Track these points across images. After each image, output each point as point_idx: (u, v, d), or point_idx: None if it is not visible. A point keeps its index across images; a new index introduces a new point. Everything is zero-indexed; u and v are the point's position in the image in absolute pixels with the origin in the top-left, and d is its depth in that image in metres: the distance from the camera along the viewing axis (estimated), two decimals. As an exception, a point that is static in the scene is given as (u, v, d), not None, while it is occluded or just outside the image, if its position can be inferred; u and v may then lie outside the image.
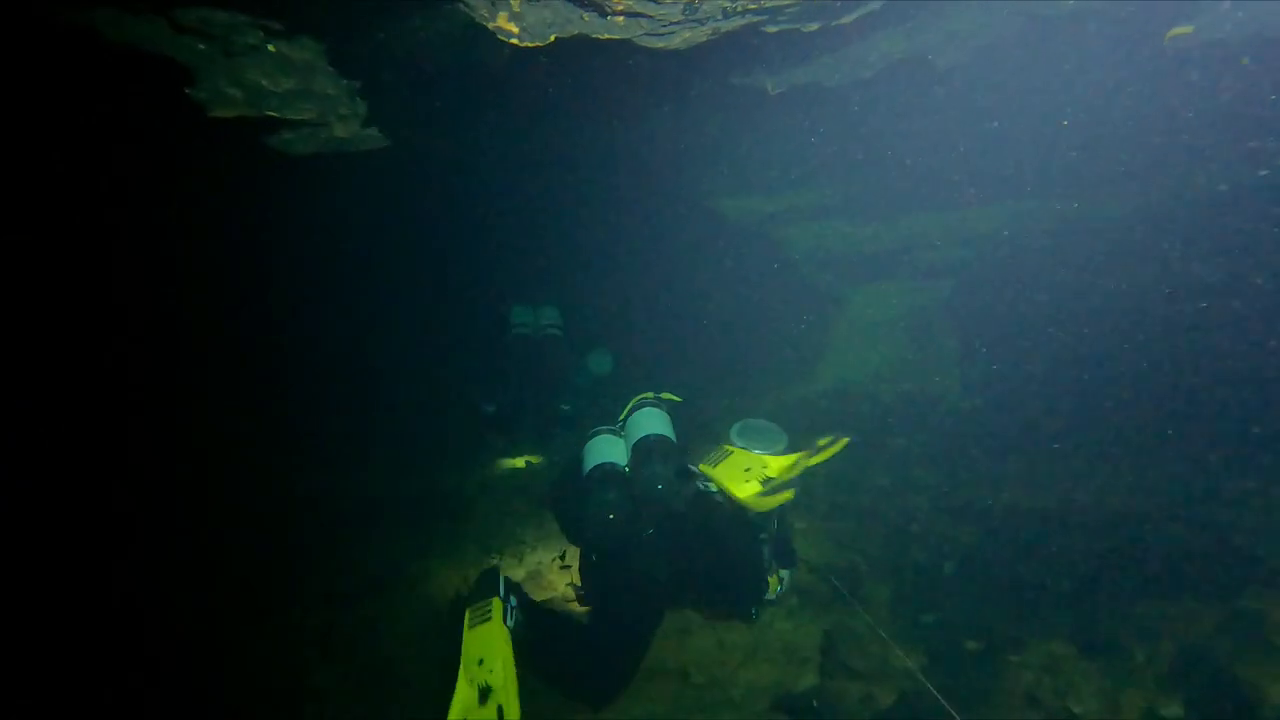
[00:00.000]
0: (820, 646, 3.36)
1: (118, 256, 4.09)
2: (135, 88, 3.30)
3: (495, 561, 3.86)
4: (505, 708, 2.47)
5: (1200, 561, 3.64)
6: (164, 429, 4.33)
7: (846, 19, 2.92)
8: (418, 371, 6.11)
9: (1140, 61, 3.86)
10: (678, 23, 2.57)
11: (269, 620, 3.38)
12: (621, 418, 3.06)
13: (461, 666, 2.59)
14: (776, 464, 2.74)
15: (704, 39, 2.82)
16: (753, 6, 2.62)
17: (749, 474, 2.70)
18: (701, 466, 2.80)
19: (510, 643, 2.59)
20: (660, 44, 2.72)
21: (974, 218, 6.29)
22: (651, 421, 2.94)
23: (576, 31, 2.67)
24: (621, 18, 2.52)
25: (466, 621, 2.67)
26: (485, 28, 2.69)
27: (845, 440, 2.87)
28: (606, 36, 2.68)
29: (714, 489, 2.75)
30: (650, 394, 3.14)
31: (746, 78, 3.81)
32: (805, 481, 2.89)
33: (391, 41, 3.40)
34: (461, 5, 2.61)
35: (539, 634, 2.76)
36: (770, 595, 2.87)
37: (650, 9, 2.42)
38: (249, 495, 4.24)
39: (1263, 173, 4.83)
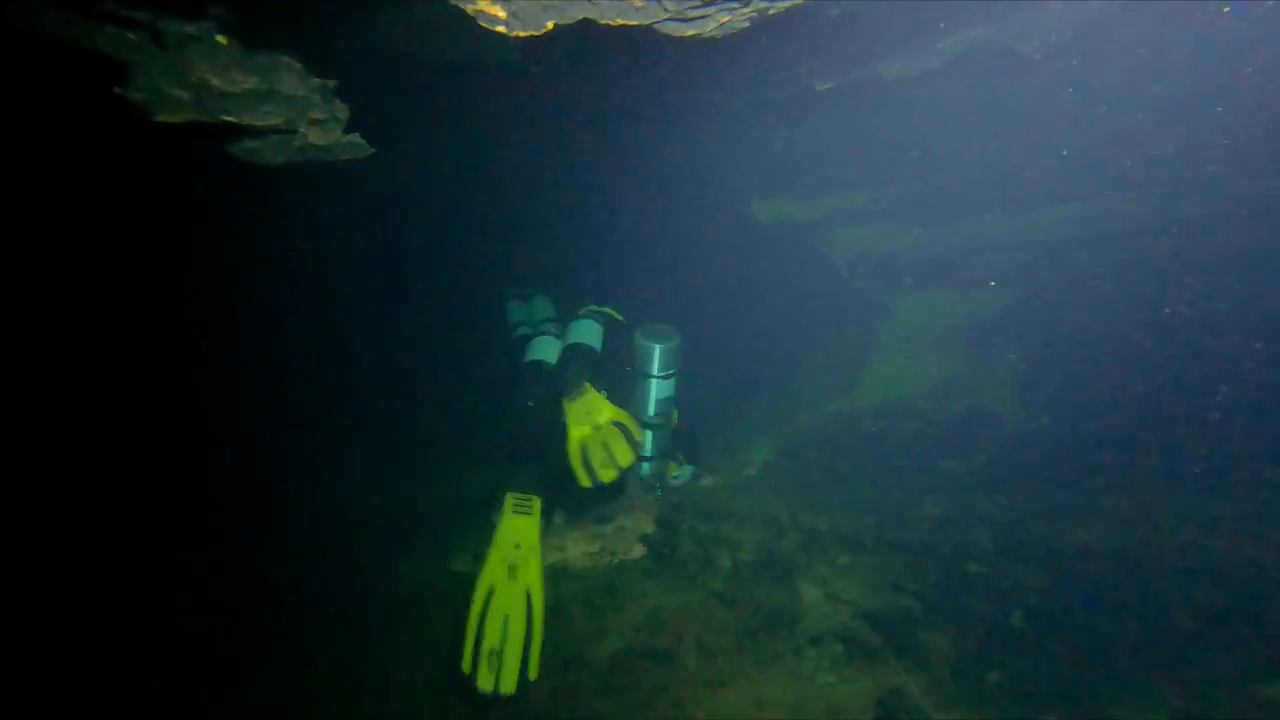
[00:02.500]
0: (871, 705, 2.95)
1: (60, 275, 3.58)
2: (59, 87, 2.75)
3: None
4: (533, 595, 2.78)
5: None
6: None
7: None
8: (433, 374, 5.82)
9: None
10: (713, 3, 1.95)
11: (280, 649, 3.17)
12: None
13: (495, 543, 2.89)
14: (607, 414, 3.18)
15: (744, 24, 2.21)
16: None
17: (586, 416, 3.16)
18: (564, 399, 3.25)
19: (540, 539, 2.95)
20: (690, 31, 2.10)
21: (1038, 220, 5.64)
22: (584, 331, 3.46)
23: (581, 16, 2.06)
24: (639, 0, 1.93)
25: (509, 505, 3.02)
26: (464, 12, 2.08)
27: (640, 436, 3.28)
28: (620, 22, 2.07)
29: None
30: (594, 306, 3.64)
31: (792, 72, 3.19)
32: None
33: (365, 33, 2.82)
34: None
35: None
36: (672, 478, 3.70)
37: (675, -15, 1.81)
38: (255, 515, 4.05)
39: None
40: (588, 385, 3.25)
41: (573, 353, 3.38)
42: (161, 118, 2.97)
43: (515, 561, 2.83)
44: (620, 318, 3.66)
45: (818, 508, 4.22)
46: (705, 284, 6.60)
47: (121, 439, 3.95)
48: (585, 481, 3.10)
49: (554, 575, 3.69)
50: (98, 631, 3.21)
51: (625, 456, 3.11)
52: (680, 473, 3.77)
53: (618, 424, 3.16)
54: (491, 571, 2.80)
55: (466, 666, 2.65)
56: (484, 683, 2.62)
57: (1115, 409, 5.43)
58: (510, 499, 3.03)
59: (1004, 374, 6.87)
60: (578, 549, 3.84)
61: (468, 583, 2.83)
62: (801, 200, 5.78)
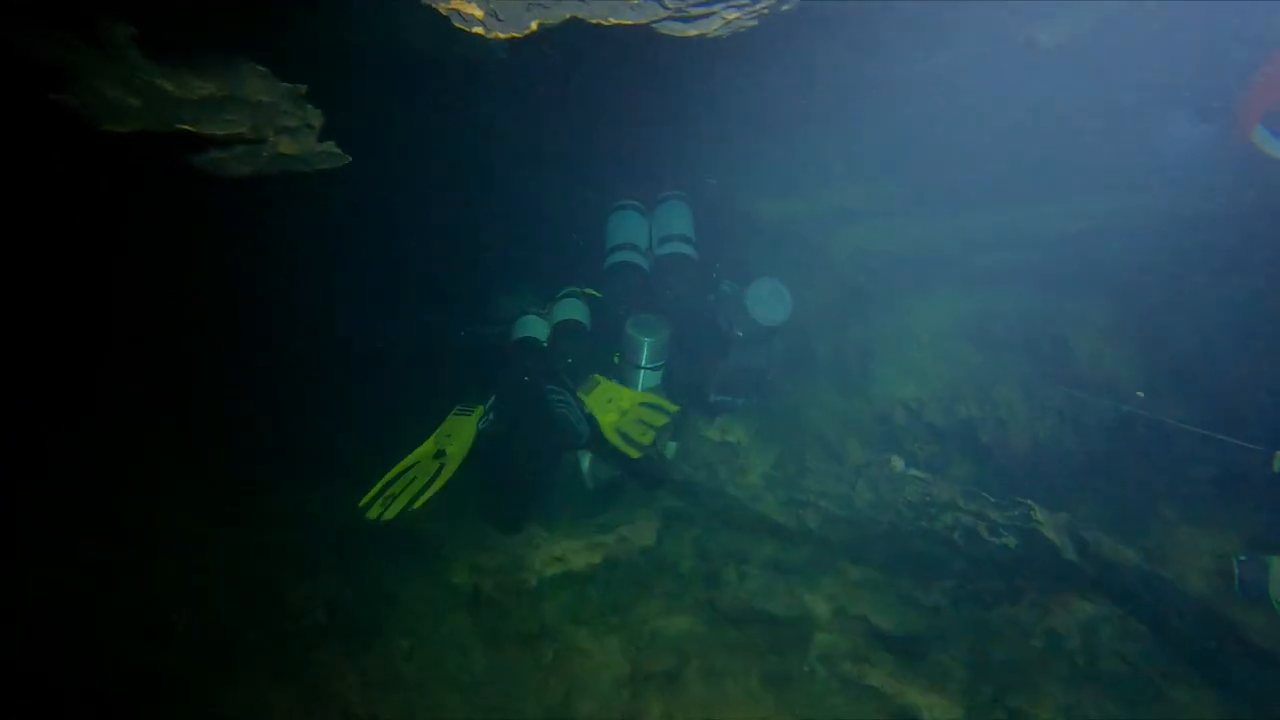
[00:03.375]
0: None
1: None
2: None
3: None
4: (445, 468, 3.30)
5: None
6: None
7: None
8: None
9: None
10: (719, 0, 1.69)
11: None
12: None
13: (435, 432, 3.45)
14: (628, 397, 3.42)
15: (751, 23, 1.96)
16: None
17: (610, 404, 3.40)
18: (579, 393, 3.48)
19: (474, 436, 3.45)
20: (692, 31, 1.85)
21: (1050, 214, 5.40)
22: (570, 309, 3.67)
23: (569, 15, 1.80)
24: (635, -6, 1.67)
25: (455, 411, 3.54)
26: (436, 11, 1.83)
27: (674, 408, 3.53)
28: (614, 22, 1.81)
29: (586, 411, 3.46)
30: (574, 287, 3.83)
31: (799, 73, 2.95)
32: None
33: (332, 34, 2.56)
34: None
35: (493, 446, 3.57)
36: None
37: (677, -22, 1.56)
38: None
39: None
40: (597, 377, 3.50)
41: (563, 328, 3.61)
42: (109, 127, 2.72)
43: (443, 448, 3.36)
44: (600, 295, 3.85)
45: (824, 516, 3.98)
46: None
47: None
48: (634, 453, 3.34)
49: (553, 587, 3.48)
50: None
51: (657, 418, 3.40)
52: (668, 448, 4.00)
53: (645, 404, 3.42)
54: (422, 449, 3.37)
55: (364, 501, 3.16)
56: (371, 512, 3.14)
57: (1128, 414, 5.17)
58: (457, 408, 3.54)
59: (1012, 375, 6.63)
60: (579, 560, 3.63)
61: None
62: (803, 198, 5.55)
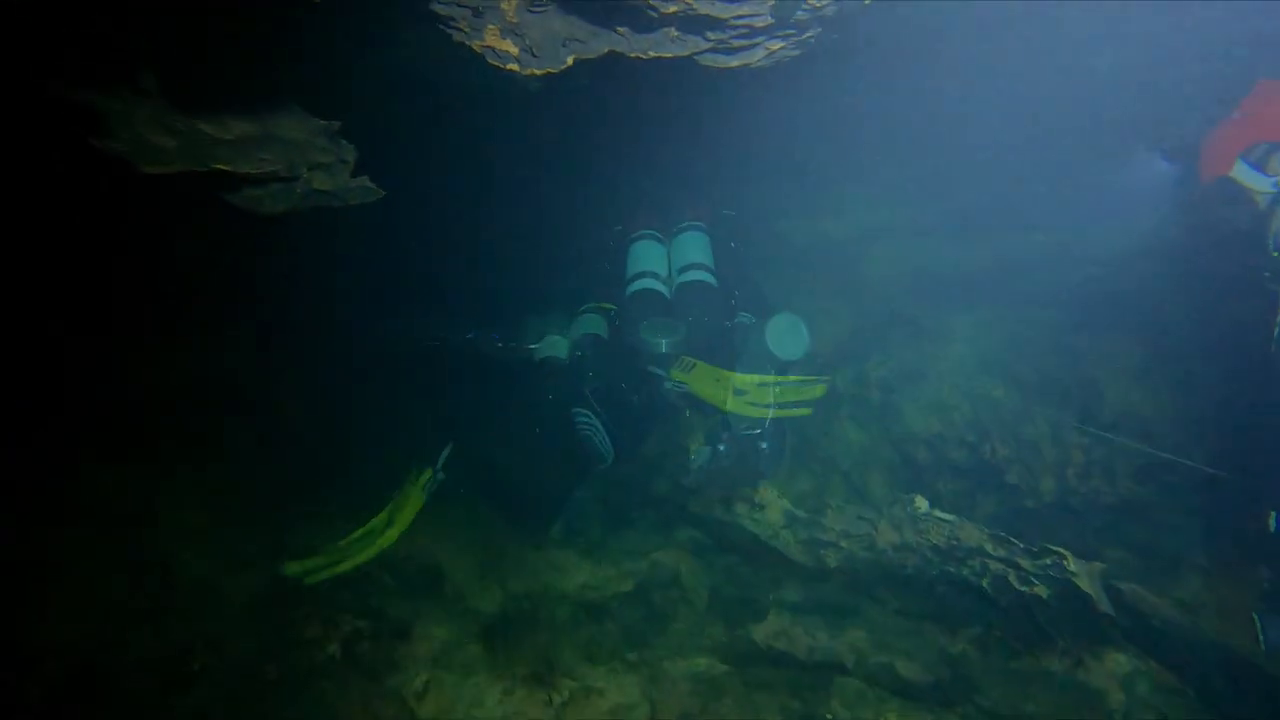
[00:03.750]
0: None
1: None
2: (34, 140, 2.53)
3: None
4: (393, 529, 3.45)
5: None
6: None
7: None
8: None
9: None
10: (763, 29, 1.69)
11: None
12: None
13: (389, 504, 3.57)
14: (742, 379, 3.48)
15: (795, 53, 1.96)
16: None
17: (718, 384, 3.47)
18: (675, 374, 3.59)
19: (420, 505, 3.58)
20: (735, 62, 1.85)
21: (1098, 234, 5.30)
22: (588, 324, 3.84)
23: (607, 49, 1.80)
24: (675, 29, 1.67)
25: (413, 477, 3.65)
26: (471, 49, 1.84)
27: (822, 387, 3.81)
28: (653, 55, 1.81)
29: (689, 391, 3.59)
30: (592, 303, 3.98)
31: (846, 97, 2.94)
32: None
33: (366, 72, 2.60)
34: (439, 26, 1.79)
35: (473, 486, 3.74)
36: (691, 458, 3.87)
37: (722, 8, 1.55)
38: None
39: None
40: (690, 359, 3.61)
41: (582, 342, 3.77)
42: (149, 169, 2.75)
43: (394, 516, 3.52)
44: (614, 308, 3.98)
45: (846, 557, 3.88)
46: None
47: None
48: (763, 415, 3.52)
49: (571, 622, 3.40)
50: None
51: (811, 391, 3.72)
52: (698, 454, 3.99)
53: (759, 384, 3.51)
54: (374, 522, 3.50)
55: (291, 570, 3.25)
56: (290, 568, 3.24)
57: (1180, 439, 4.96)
58: (413, 472, 3.65)
59: (1054, 400, 6.37)
60: (610, 589, 3.55)
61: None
62: (835, 217, 5.53)
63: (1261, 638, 2.18)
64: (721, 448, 3.79)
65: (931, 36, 3.02)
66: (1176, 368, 4.27)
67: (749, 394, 3.47)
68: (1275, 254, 2.09)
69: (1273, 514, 2.06)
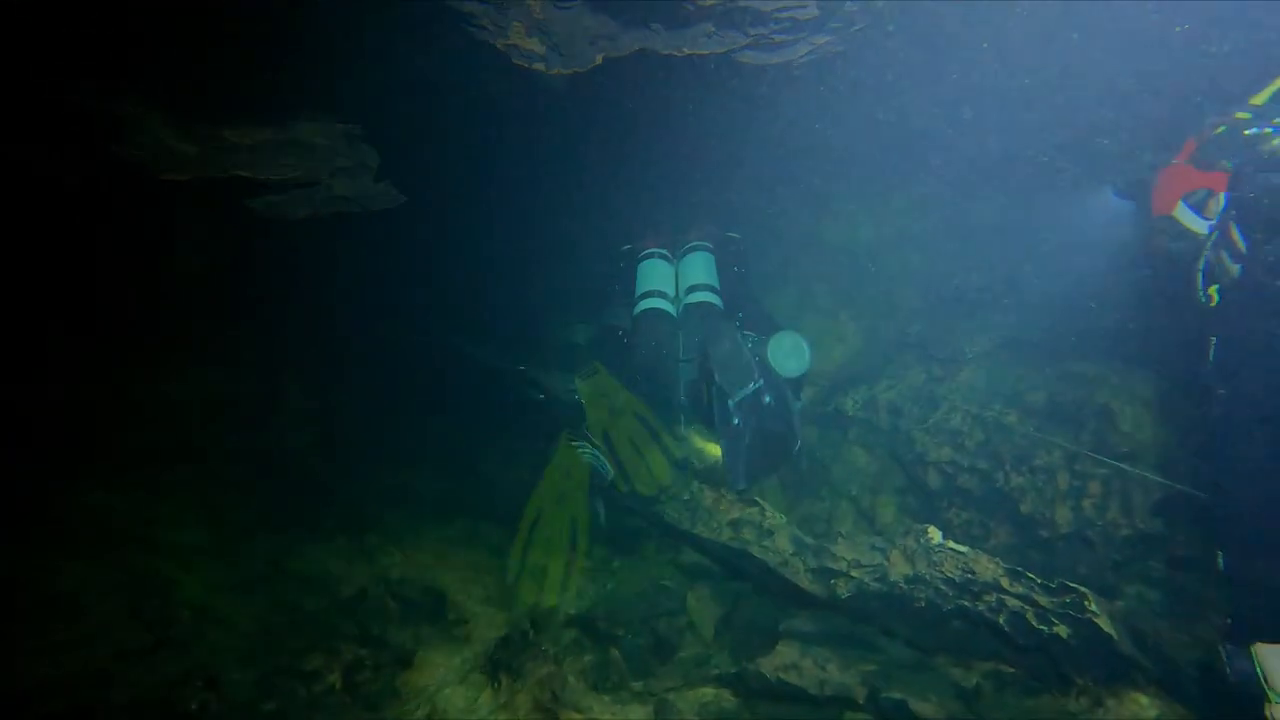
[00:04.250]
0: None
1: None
2: (50, 146, 2.46)
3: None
4: (578, 522, 3.41)
5: None
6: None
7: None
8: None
9: None
10: (807, 22, 1.52)
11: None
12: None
13: (548, 470, 3.45)
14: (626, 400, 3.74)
15: (839, 49, 1.78)
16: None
17: (602, 399, 3.74)
18: (576, 378, 3.76)
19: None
20: (775, 59, 1.67)
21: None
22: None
23: (637, 47, 1.64)
24: (711, 25, 1.51)
25: (563, 440, 3.51)
26: (495, 47, 1.70)
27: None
28: (687, 52, 1.65)
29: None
30: (597, 363, 3.95)
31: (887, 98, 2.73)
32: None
33: (388, 76, 2.48)
34: (462, 25, 1.65)
35: None
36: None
37: (764, 1, 1.38)
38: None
39: None
40: (597, 365, 3.81)
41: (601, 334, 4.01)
42: (168, 175, 2.67)
43: (564, 490, 3.41)
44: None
45: (857, 587, 3.72)
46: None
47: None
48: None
49: (575, 648, 3.30)
50: None
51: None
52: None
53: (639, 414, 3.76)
54: (541, 495, 3.35)
55: (510, 577, 3.16)
56: (525, 596, 3.14)
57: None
58: (565, 435, 3.53)
59: (1069, 427, 5.96)
60: (615, 615, 3.44)
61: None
62: (872, 219, 5.33)
63: (1229, 669, 2.12)
64: (735, 421, 3.76)
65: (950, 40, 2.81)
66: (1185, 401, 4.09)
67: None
68: (1202, 299, 2.14)
69: (1219, 554, 2.03)
